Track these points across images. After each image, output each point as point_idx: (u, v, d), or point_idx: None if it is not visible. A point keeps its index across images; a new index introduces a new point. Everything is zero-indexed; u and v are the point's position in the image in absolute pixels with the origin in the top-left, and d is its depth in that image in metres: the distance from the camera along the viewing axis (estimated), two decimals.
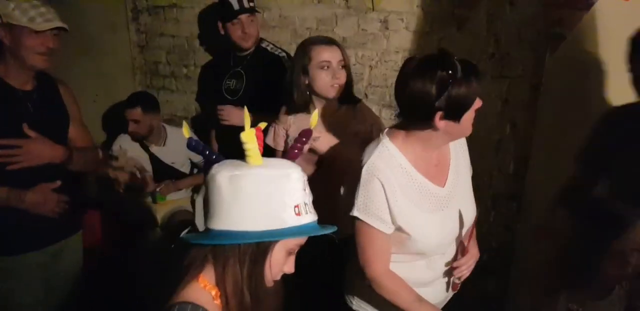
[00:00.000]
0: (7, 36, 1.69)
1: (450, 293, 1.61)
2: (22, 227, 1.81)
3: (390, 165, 1.38)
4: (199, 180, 2.92)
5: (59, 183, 1.82)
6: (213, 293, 1.02)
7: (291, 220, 0.99)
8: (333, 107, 2.00)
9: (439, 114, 1.30)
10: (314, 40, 2.00)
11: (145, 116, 2.76)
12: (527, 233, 2.26)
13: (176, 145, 2.85)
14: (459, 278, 1.53)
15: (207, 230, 1.03)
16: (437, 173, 1.46)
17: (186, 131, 1.11)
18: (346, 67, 1.96)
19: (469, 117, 1.34)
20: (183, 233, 1.07)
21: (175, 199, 2.91)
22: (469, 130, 1.39)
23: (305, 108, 1.99)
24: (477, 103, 1.33)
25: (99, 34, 3.19)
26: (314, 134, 1.81)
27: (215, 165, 1.04)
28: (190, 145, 1.08)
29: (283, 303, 1.14)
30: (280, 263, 1.05)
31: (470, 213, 1.51)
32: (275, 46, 2.62)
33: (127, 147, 2.85)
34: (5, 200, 1.75)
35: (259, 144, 1.03)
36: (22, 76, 1.78)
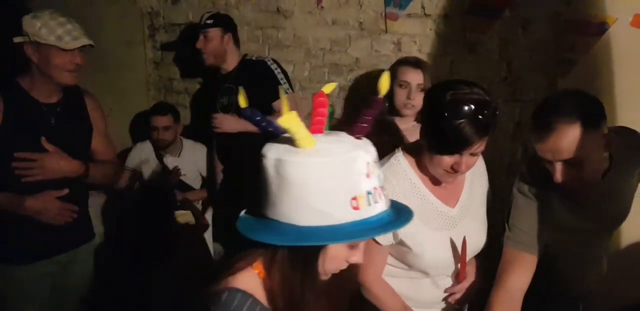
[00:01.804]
0: (34, 54, 1.72)
1: None
2: (31, 236, 1.81)
3: (397, 177, 1.38)
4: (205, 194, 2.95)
5: (65, 191, 1.82)
6: (264, 280, 0.95)
7: (347, 216, 0.85)
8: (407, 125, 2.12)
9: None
10: (402, 61, 2.17)
11: (174, 124, 2.89)
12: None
13: (190, 158, 2.93)
14: (458, 304, 1.50)
15: (260, 215, 0.92)
16: (448, 194, 1.45)
17: (242, 100, 0.99)
18: (425, 90, 2.02)
19: (442, 162, 1.30)
20: (242, 212, 0.98)
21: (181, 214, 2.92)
22: (439, 175, 1.35)
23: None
24: (451, 160, 1.29)
25: (115, 50, 3.24)
26: None
27: (268, 144, 0.92)
28: (246, 114, 0.97)
29: (343, 295, 1.04)
30: (338, 258, 0.93)
31: (479, 238, 1.49)
32: (259, 56, 2.66)
33: (143, 156, 2.92)
34: (5, 205, 1.75)
35: (321, 112, 0.90)
36: (47, 90, 1.81)
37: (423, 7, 2.43)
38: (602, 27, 2.05)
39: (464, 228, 1.45)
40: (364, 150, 0.88)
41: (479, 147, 1.29)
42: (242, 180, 2.56)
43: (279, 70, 2.52)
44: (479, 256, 1.52)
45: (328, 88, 0.95)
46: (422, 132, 1.34)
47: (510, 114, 2.29)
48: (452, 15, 2.38)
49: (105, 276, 2.18)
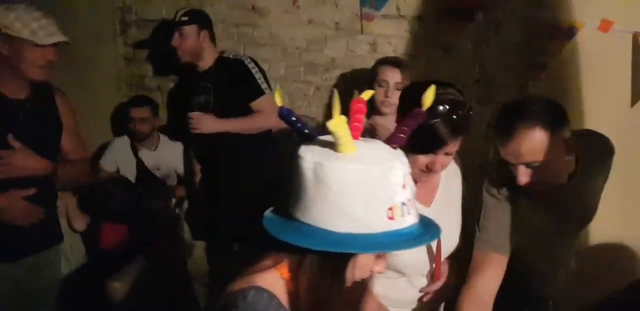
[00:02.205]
0: (5, 47, 1.66)
1: None
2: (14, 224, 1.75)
3: None
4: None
5: (32, 191, 1.76)
6: (288, 283, 0.93)
7: (382, 226, 0.84)
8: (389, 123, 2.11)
9: None
10: (383, 60, 2.22)
11: (151, 116, 2.88)
12: None
13: (166, 153, 2.93)
14: (433, 303, 1.52)
15: (287, 216, 0.90)
16: (424, 193, 1.45)
17: (279, 98, 0.97)
18: (399, 90, 2.03)
19: (417, 161, 1.29)
20: (267, 212, 0.95)
21: None
22: (414, 174, 1.27)
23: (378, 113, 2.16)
24: (426, 159, 1.29)
25: (85, 46, 3.16)
26: None
27: (304, 146, 0.89)
28: (282, 114, 0.93)
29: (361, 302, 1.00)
30: (366, 267, 0.92)
31: (453, 237, 1.50)
32: (237, 54, 2.63)
33: (119, 154, 2.91)
34: None
35: (358, 119, 0.87)
36: (16, 85, 1.75)
37: (398, 9, 2.46)
38: (570, 32, 2.11)
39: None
40: (401, 161, 0.88)
41: (454, 146, 1.31)
42: (226, 180, 2.55)
43: (256, 69, 2.49)
44: (453, 256, 1.54)
45: (367, 94, 0.94)
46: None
47: (482, 115, 2.33)
48: (426, 17, 2.41)
49: (74, 280, 2.14)
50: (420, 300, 1.52)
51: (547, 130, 1.28)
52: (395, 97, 2.01)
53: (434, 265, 1.48)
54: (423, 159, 1.31)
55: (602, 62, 2.09)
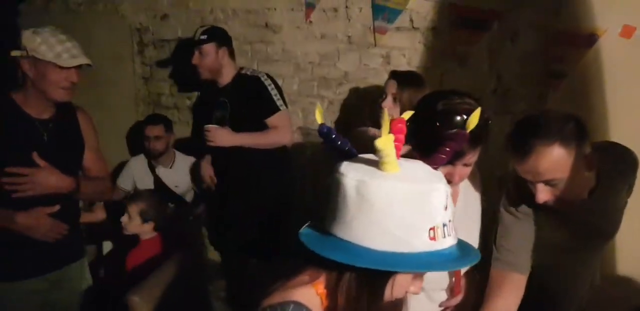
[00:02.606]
0: (31, 69, 1.71)
1: None
2: (21, 253, 1.78)
3: None
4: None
5: (56, 208, 1.80)
6: (323, 300, 0.92)
7: (423, 245, 0.84)
8: None
9: None
10: (393, 73, 2.18)
11: (165, 134, 2.91)
12: None
13: (182, 170, 2.95)
14: None
15: (327, 232, 0.90)
16: None
17: (319, 116, 0.97)
18: (397, 101, 2.04)
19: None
20: (303, 228, 0.95)
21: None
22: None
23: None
24: (444, 170, 1.20)
25: (104, 66, 3.21)
26: None
27: (345, 163, 0.90)
28: (322, 132, 0.94)
29: None
30: (403, 285, 0.92)
31: None
32: (255, 70, 2.64)
33: (136, 172, 2.94)
34: None
35: (399, 138, 0.88)
36: (40, 106, 1.79)
37: (411, 20, 2.43)
38: (591, 39, 2.05)
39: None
40: (443, 182, 0.88)
41: (472, 157, 1.27)
42: (240, 194, 2.54)
43: (272, 86, 2.50)
44: (472, 270, 1.48)
45: (407, 115, 0.96)
46: (414, 143, 1.31)
47: (500, 126, 2.26)
48: (440, 28, 2.37)
49: (96, 294, 2.13)
50: None
51: (566, 147, 1.22)
52: (389, 107, 2.00)
53: (453, 280, 1.44)
54: (441, 170, 1.26)
55: (625, 69, 2.01)
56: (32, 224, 1.76)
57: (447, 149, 0.95)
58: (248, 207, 2.56)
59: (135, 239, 2.40)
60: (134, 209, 2.34)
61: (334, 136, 0.93)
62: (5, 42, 1.82)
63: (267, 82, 2.49)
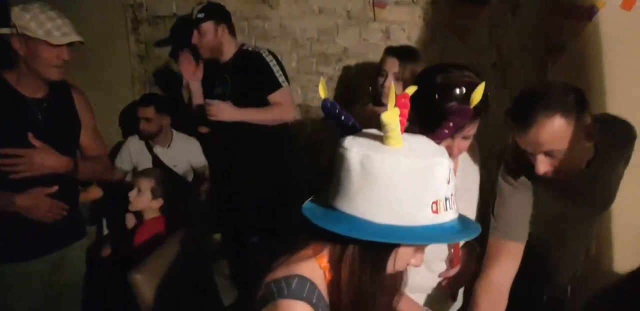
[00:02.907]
0: (22, 47, 1.68)
1: (452, 304, 1.56)
2: (21, 234, 1.79)
3: None
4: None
5: (55, 188, 1.79)
6: (326, 273, 0.94)
7: (426, 219, 0.86)
8: None
9: None
10: (387, 49, 2.16)
11: (157, 115, 2.85)
12: None
13: (180, 149, 2.92)
14: (451, 289, 1.49)
15: (330, 206, 0.91)
16: None
17: (323, 90, 0.97)
18: (400, 79, 2.01)
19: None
20: (306, 202, 0.96)
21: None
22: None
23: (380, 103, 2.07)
24: (443, 144, 1.19)
25: (97, 45, 3.17)
26: None
27: (349, 138, 0.90)
28: (326, 107, 0.94)
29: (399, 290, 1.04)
30: (405, 258, 0.94)
31: None
32: (256, 47, 2.61)
33: (133, 152, 2.92)
34: None
35: (403, 113, 0.88)
36: (34, 84, 1.77)
37: None
38: (591, 11, 2.03)
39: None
40: (447, 157, 0.89)
41: (471, 130, 1.28)
42: (240, 172, 2.54)
43: (274, 62, 2.47)
44: (473, 242, 1.50)
45: (411, 90, 0.97)
46: (413, 117, 1.32)
47: (500, 100, 2.27)
48: (440, 2, 2.35)
49: (98, 274, 2.15)
50: (439, 285, 1.49)
51: (567, 118, 1.23)
52: (391, 86, 1.96)
53: (452, 251, 1.46)
54: (439, 144, 1.27)
55: (625, 41, 2.00)
56: (32, 205, 1.75)
57: (451, 124, 0.96)
58: (249, 184, 2.56)
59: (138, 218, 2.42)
60: (145, 184, 2.33)
61: (337, 111, 0.94)
62: None
63: (269, 58, 2.46)
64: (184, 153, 2.92)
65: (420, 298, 1.42)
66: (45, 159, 1.75)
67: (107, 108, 3.26)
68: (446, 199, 0.87)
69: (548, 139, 1.24)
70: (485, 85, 1.25)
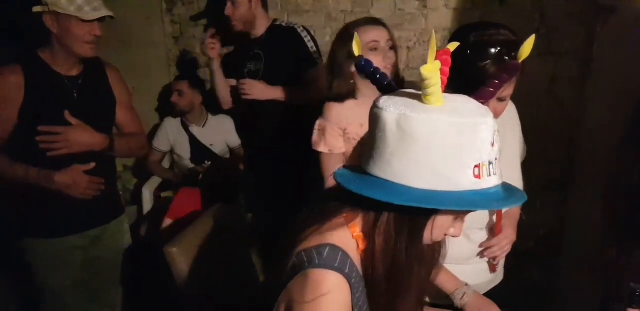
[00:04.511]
0: (54, 25, 1.70)
1: (493, 277, 1.51)
2: (61, 210, 1.82)
3: None
4: None
5: (92, 165, 1.81)
6: (359, 243, 0.89)
7: (467, 183, 0.79)
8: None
9: None
10: (358, 23, 1.79)
11: (190, 90, 2.87)
12: (577, 221, 2.15)
13: (215, 128, 2.93)
14: (493, 259, 1.44)
15: (364, 172, 0.85)
16: None
17: (357, 48, 0.92)
18: (394, 48, 1.80)
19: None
20: (338, 169, 0.91)
21: None
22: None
23: (350, 96, 1.80)
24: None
25: (133, 27, 3.20)
26: (361, 122, 1.71)
27: (384, 97, 0.85)
28: (360, 64, 0.90)
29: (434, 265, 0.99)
30: (443, 228, 0.88)
31: None
32: (290, 22, 2.56)
33: (170, 128, 2.97)
34: (35, 180, 1.75)
35: (444, 71, 0.82)
36: (68, 62, 1.79)
37: None
38: None
39: None
40: (491, 116, 0.82)
41: (506, 90, 1.20)
42: (275, 149, 2.52)
43: (309, 38, 2.41)
44: (514, 209, 1.46)
45: (452, 46, 0.91)
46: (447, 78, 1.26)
47: (544, 68, 2.17)
48: None
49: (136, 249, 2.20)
50: (480, 255, 1.44)
51: None
52: (393, 58, 1.77)
53: (494, 218, 1.40)
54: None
55: None
56: (70, 182, 1.77)
57: (497, 82, 0.89)
58: (278, 163, 2.51)
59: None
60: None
61: (372, 69, 0.89)
62: None
63: (304, 34, 2.41)
64: (220, 132, 2.93)
65: (458, 270, 1.37)
66: (82, 136, 1.77)
67: (145, 90, 3.29)
68: (490, 163, 0.81)
69: None
70: (523, 44, 1.19)
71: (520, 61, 0.91)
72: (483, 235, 1.43)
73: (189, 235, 1.71)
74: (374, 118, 0.84)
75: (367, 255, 0.89)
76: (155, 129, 3.11)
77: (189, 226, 1.76)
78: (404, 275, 0.89)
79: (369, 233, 0.88)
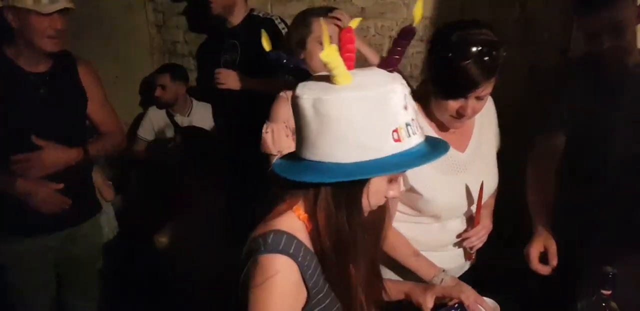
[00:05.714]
0: (15, 20, 1.65)
1: (467, 263, 1.56)
2: (32, 211, 1.75)
3: None
4: None
5: (60, 186, 1.76)
6: (307, 223, 0.96)
7: (390, 148, 0.85)
8: None
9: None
10: (317, 11, 1.71)
11: (172, 83, 2.89)
12: None
13: (200, 117, 2.94)
14: (470, 248, 1.49)
15: (299, 158, 0.92)
16: (458, 138, 1.40)
17: (266, 43, 0.97)
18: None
19: (448, 107, 1.26)
20: (275, 159, 0.98)
21: None
22: (446, 121, 1.31)
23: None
24: (456, 104, 1.25)
25: (116, 16, 3.18)
26: None
27: (300, 85, 0.90)
28: (272, 58, 0.96)
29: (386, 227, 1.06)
30: (380, 192, 0.94)
31: (490, 181, 1.45)
32: (267, 13, 2.55)
33: (155, 122, 2.96)
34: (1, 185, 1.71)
35: (350, 49, 0.87)
36: (33, 58, 1.73)
37: None
38: None
39: (474, 171, 1.41)
40: (399, 82, 0.88)
41: (485, 90, 1.24)
42: (251, 139, 2.50)
43: (286, 30, 2.40)
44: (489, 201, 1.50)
45: (354, 23, 0.94)
46: (427, 76, 1.29)
47: (523, 57, 2.19)
48: None
49: (115, 248, 2.20)
50: (456, 244, 1.49)
51: None
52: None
53: (471, 208, 1.44)
54: (453, 104, 1.26)
55: None
56: (31, 191, 1.71)
57: (399, 49, 0.92)
58: (253, 152, 2.51)
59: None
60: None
61: (284, 61, 0.95)
62: None
63: (281, 26, 2.40)
64: (205, 121, 2.93)
65: (435, 257, 1.41)
66: (55, 156, 1.73)
67: (128, 79, 3.28)
68: (407, 125, 0.87)
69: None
70: (504, 43, 1.22)
71: (414, 25, 0.93)
72: (458, 224, 1.47)
73: (178, 224, 1.73)
74: (294, 106, 0.89)
75: (315, 234, 0.95)
76: (139, 118, 3.11)
77: (178, 215, 1.79)
78: (350, 244, 0.94)
79: (312, 213, 0.94)
